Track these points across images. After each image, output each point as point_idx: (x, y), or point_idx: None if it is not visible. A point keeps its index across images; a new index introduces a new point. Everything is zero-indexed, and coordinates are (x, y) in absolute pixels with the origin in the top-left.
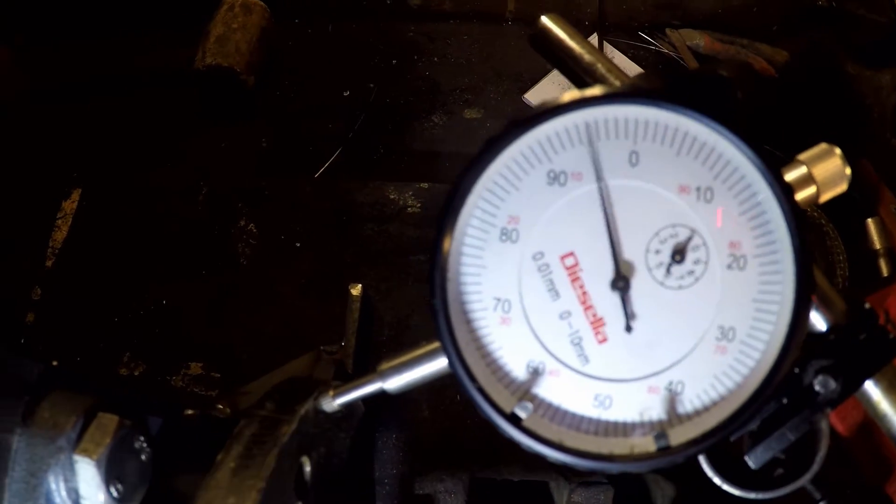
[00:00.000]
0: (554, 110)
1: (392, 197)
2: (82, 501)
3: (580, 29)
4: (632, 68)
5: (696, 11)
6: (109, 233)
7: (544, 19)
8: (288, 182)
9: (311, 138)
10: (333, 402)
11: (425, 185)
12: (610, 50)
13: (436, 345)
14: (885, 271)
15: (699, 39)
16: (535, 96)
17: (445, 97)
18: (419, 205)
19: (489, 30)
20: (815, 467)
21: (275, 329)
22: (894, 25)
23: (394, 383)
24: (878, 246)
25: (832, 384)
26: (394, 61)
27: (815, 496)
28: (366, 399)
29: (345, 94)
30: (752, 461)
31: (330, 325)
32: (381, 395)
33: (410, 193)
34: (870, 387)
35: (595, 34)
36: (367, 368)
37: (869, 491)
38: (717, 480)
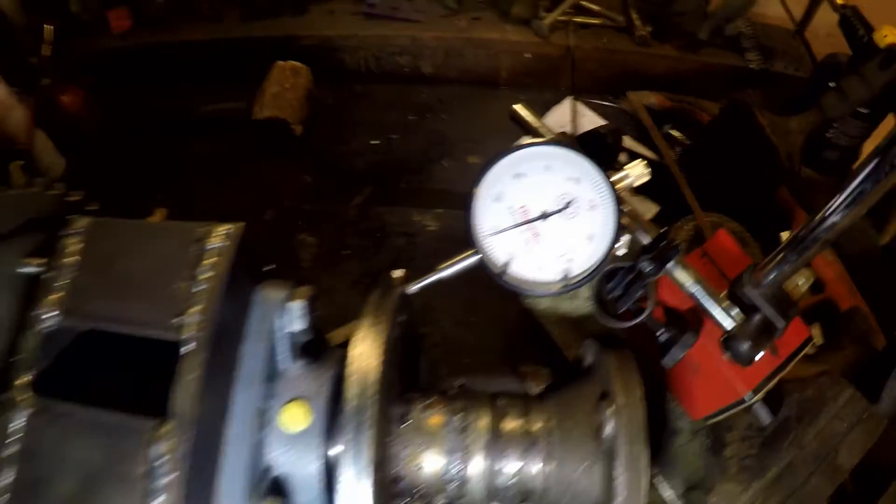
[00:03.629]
0: (517, 147)
1: (416, 219)
2: (287, 329)
3: (557, 92)
4: (597, 121)
5: (652, 76)
6: None
7: (516, 107)
8: (335, 207)
9: (346, 177)
10: (414, 287)
11: (441, 210)
12: (581, 108)
13: (469, 252)
14: None
15: (653, 99)
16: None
17: (452, 146)
18: (437, 225)
19: (486, 93)
20: (648, 310)
21: (330, 314)
22: (807, 81)
23: (445, 273)
24: None
25: (650, 266)
26: (411, 117)
27: (655, 328)
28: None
29: (372, 143)
30: (620, 307)
31: None
32: None
33: (430, 216)
34: (670, 267)
35: (570, 96)
36: None
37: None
38: (599, 317)
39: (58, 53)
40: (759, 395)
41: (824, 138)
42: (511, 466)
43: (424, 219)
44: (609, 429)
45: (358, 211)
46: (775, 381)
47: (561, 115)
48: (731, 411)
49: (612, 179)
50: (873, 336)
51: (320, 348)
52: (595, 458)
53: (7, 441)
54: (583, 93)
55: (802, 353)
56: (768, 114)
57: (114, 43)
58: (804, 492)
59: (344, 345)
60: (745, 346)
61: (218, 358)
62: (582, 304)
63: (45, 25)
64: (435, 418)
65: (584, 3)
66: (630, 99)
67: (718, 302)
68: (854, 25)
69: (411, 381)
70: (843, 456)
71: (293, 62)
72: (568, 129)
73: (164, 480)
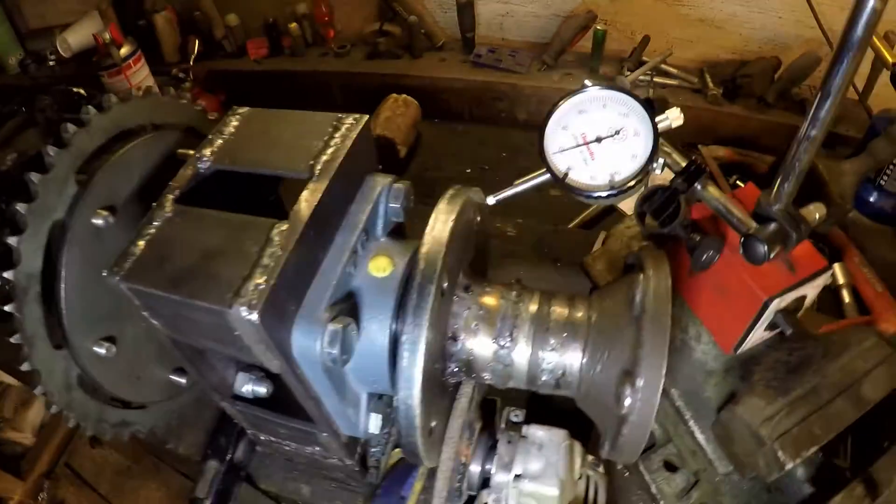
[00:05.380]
0: (582, 90)
1: (497, 224)
2: (390, 207)
3: None
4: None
5: (721, 133)
6: None
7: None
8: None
9: (440, 193)
10: (492, 199)
11: (520, 220)
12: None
13: (540, 171)
14: (846, 298)
15: (722, 152)
16: None
17: None
18: (515, 231)
19: None
20: (680, 218)
21: None
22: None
23: (521, 188)
24: (841, 281)
25: (684, 185)
26: (503, 154)
27: (686, 236)
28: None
29: (466, 171)
30: (655, 217)
31: None
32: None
33: (510, 224)
34: (699, 185)
35: None
36: None
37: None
38: (641, 227)
39: (200, 66)
40: (777, 303)
41: (879, 187)
42: (556, 335)
43: (505, 225)
44: (639, 296)
45: None
46: (792, 295)
47: None
48: (758, 327)
49: (655, 120)
50: None
51: (404, 235)
52: (627, 323)
53: (144, 231)
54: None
55: (819, 280)
56: (823, 157)
57: (249, 66)
58: (828, 412)
59: None
60: (760, 246)
61: (333, 195)
62: (628, 243)
63: (195, 39)
64: (493, 295)
65: (663, 65)
66: (701, 152)
67: (738, 210)
68: None
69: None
70: (867, 389)
71: (406, 95)
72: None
73: (273, 255)
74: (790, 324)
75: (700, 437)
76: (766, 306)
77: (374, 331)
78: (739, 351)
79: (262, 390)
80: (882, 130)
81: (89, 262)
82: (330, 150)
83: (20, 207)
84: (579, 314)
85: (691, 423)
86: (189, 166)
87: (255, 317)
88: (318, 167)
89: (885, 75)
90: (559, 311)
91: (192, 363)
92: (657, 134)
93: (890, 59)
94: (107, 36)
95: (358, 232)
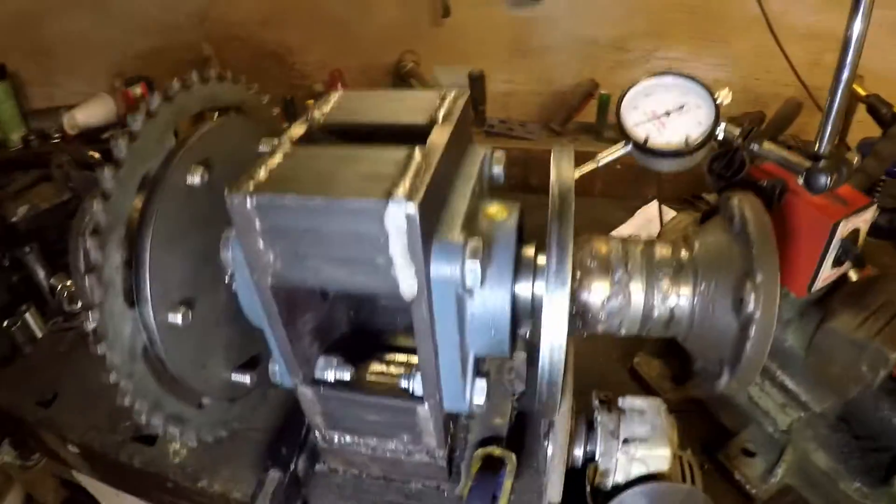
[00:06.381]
0: (645, 78)
1: None
2: (493, 171)
3: (643, 200)
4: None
5: None
6: None
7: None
8: None
9: None
10: (577, 173)
11: None
12: (665, 209)
13: (620, 144)
14: None
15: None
16: None
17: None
18: None
19: (583, 202)
20: (746, 168)
21: None
22: None
23: (603, 161)
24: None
25: (745, 143)
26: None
27: (755, 182)
28: None
29: None
30: (725, 171)
31: None
32: None
33: None
34: (756, 143)
35: (655, 200)
36: None
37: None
38: (711, 182)
39: None
40: (843, 228)
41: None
42: (665, 267)
43: None
44: (737, 215)
45: None
46: (851, 223)
47: (647, 216)
48: (827, 259)
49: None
50: None
51: None
52: (731, 241)
53: (265, 162)
54: (667, 199)
55: (868, 214)
56: None
57: None
58: None
59: None
60: (821, 176)
61: (453, 144)
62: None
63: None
64: (600, 240)
65: None
66: (707, 199)
67: (793, 156)
68: (878, 107)
69: None
70: None
71: None
72: (654, 225)
73: (419, 167)
74: (856, 248)
75: (790, 383)
76: (834, 230)
77: (496, 273)
78: (812, 291)
79: (345, 375)
80: (868, 152)
81: (177, 220)
82: (444, 110)
83: (121, 142)
84: (683, 250)
85: (778, 373)
86: (301, 123)
87: (413, 209)
88: (440, 118)
89: (860, 111)
90: (663, 250)
91: (283, 327)
92: (717, 104)
93: (863, 93)
94: (138, 91)
95: (474, 180)
